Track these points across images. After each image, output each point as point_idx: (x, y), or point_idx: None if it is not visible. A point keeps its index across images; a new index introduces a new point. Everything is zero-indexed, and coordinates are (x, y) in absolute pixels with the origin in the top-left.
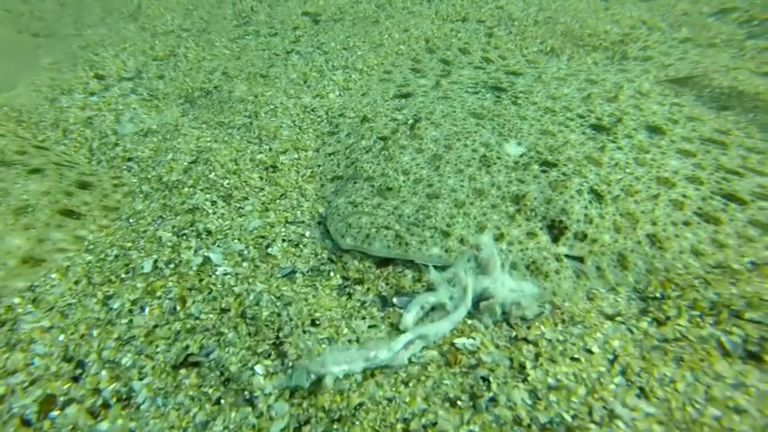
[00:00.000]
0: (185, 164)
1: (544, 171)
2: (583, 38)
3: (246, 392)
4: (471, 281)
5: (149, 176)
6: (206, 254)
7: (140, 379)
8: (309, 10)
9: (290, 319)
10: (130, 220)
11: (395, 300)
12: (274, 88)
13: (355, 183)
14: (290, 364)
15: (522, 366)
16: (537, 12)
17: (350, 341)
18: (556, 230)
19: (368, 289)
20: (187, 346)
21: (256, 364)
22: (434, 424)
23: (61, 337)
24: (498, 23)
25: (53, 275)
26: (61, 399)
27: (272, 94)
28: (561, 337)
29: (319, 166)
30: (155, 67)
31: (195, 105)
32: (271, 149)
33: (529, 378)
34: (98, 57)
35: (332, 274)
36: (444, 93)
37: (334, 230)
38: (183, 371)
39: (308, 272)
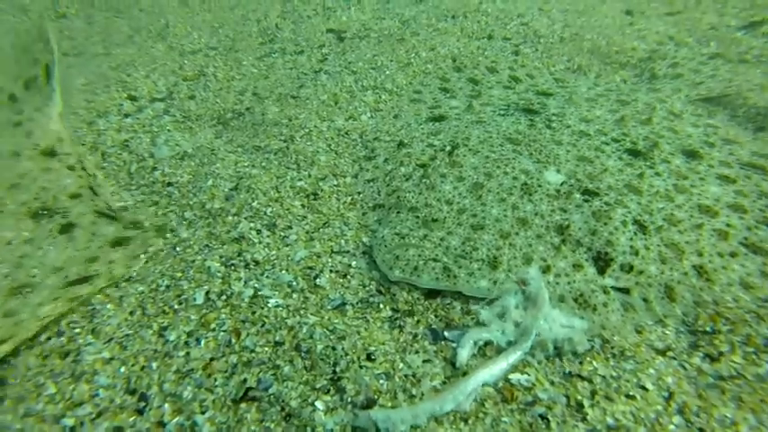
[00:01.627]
0: (226, 190)
1: (586, 200)
2: (610, 55)
3: (309, 428)
4: (528, 321)
5: (191, 203)
6: (256, 285)
7: (202, 413)
8: (333, 27)
9: (346, 354)
10: (177, 249)
11: (446, 333)
12: (306, 110)
13: (399, 213)
14: (350, 400)
15: (580, 405)
16: (562, 28)
17: (411, 396)
18: (602, 262)
19: (418, 321)
20: (245, 380)
21: (316, 399)
22: None
23: (122, 369)
24: (524, 41)
25: (108, 306)
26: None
27: (305, 116)
28: (614, 373)
29: (359, 193)
30: (185, 88)
31: (228, 127)
32: (310, 176)
33: (588, 417)
34: (130, 77)
35: (381, 306)
36: (478, 116)
37: (382, 262)
38: (243, 405)
39: (357, 303)
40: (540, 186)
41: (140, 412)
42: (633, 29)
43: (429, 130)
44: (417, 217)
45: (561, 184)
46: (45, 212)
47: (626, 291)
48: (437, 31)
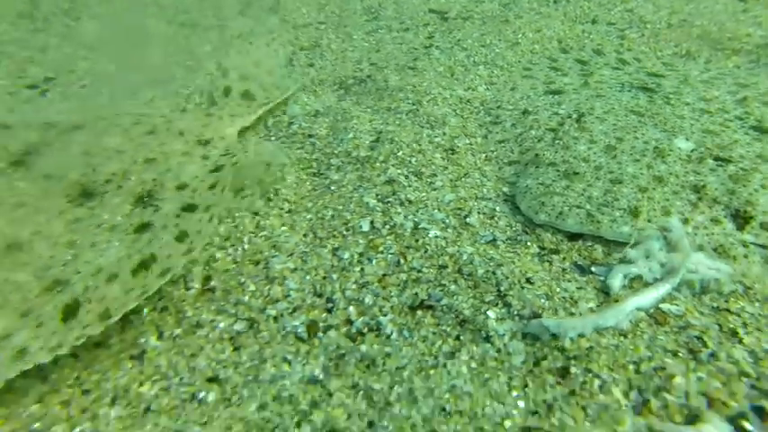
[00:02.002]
0: (368, 142)
1: (720, 165)
2: (722, 41)
3: (483, 332)
4: (676, 261)
5: (335, 152)
6: (415, 219)
7: (384, 315)
8: (435, 8)
9: (506, 277)
10: (332, 188)
11: (593, 269)
12: (426, 79)
13: (538, 167)
14: (517, 313)
15: (734, 332)
16: (669, 15)
17: (571, 314)
18: (740, 219)
19: (564, 258)
20: (417, 293)
21: (487, 310)
22: (663, 368)
23: (307, 278)
24: (629, 26)
25: (283, 228)
26: (321, 324)
27: (427, 84)
28: (763, 312)
29: (492, 151)
30: (303, 57)
31: (351, 92)
32: (444, 134)
33: (744, 341)
34: (252, 45)
35: (529, 243)
36: (596, 91)
37: (527, 207)
38: (419, 312)
39: (506, 240)
40: (671, 151)
41: (329, 311)
42: (748, 15)
43: (550, 101)
44: (558, 171)
45: (692, 150)
46: None
47: (765, 247)
48: (540, 15)
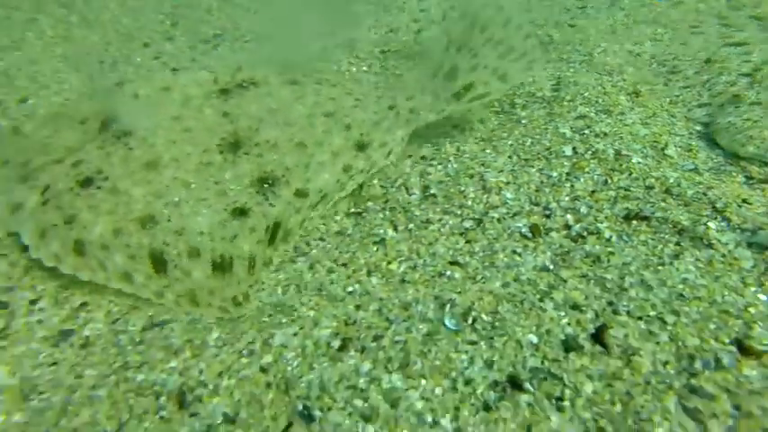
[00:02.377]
0: (549, 85)
1: None
2: None
3: (704, 240)
4: None
5: (517, 93)
6: (615, 147)
7: (600, 222)
8: None
9: (719, 198)
10: (522, 122)
11: None
12: (589, 36)
13: (738, 106)
14: (737, 226)
15: None
16: None
17: None
18: None
19: None
20: (628, 207)
21: (707, 221)
22: None
23: (522, 190)
24: None
25: (488, 150)
26: (542, 228)
27: (592, 40)
28: None
29: (677, 96)
30: (458, 14)
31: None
32: (624, 80)
33: None
34: (406, 6)
35: (734, 173)
36: None
37: (731, 141)
38: (634, 222)
39: (709, 170)
40: None
41: (547, 217)
42: None
43: (734, 51)
44: (765, 109)
45: None
46: None
47: None
48: None
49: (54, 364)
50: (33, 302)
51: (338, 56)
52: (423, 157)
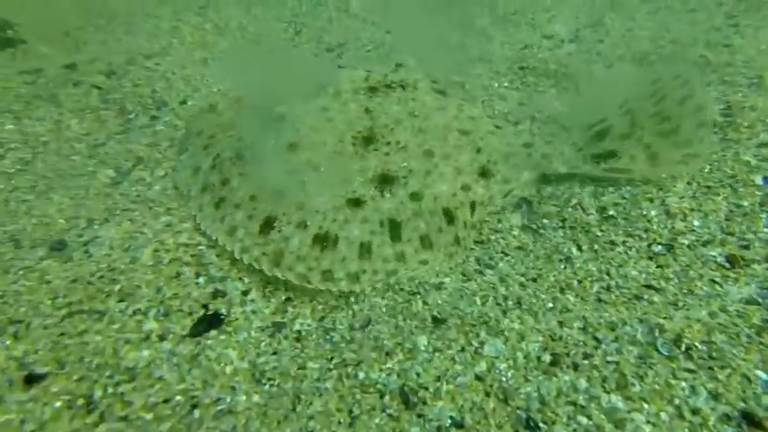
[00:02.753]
0: (719, 109)
1: None
2: None
3: None
4: None
5: None
6: None
7: None
8: None
9: None
10: None
11: None
12: (749, 56)
13: None
14: None
15: None
16: None
17: None
18: None
19: None
20: None
21: None
22: None
23: (710, 218)
24: None
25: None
26: (741, 259)
27: (758, 61)
28: None
29: None
30: (588, 33)
31: (648, 64)
32: None
33: None
34: (534, 21)
35: None
36: None
37: None
38: None
39: None
40: None
41: (745, 248)
42: None
43: None
44: None
45: None
46: None
47: None
48: None
49: (275, 353)
50: (245, 293)
51: (476, 70)
52: (591, 179)
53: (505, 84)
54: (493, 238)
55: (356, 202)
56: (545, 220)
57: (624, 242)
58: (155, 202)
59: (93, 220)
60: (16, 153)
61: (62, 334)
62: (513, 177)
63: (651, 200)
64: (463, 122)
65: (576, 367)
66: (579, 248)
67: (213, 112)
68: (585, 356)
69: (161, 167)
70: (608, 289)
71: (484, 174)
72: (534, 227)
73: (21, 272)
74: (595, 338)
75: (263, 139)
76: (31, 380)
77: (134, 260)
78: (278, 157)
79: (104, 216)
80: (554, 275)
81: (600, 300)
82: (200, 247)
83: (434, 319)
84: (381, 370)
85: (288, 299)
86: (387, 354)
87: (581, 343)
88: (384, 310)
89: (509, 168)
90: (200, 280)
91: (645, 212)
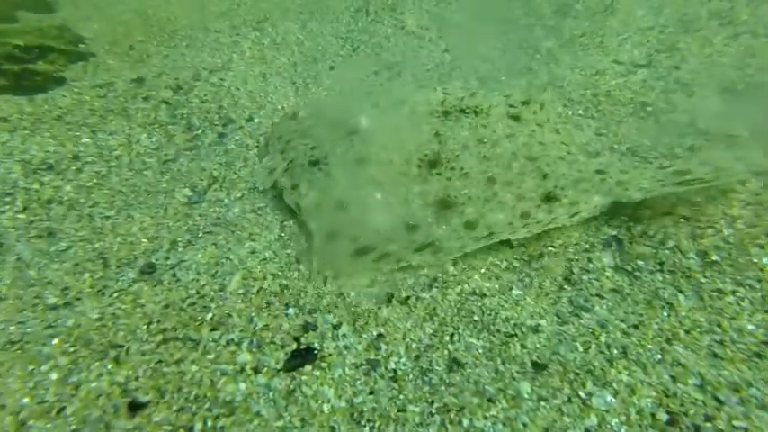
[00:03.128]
0: None
1: None
2: None
3: None
4: None
5: None
6: None
7: None
8: None
9: None
10: None
11: None
12: None
13: None
14: None
15: None
16: None
17: None
18: None
19: None
20: None
21: None
22: None
23: None
24: None
25: None
26: None
27: None
28: None
29: None
30: (663, 58)
31: (736, 94)
32: None
33: None
34: (603, 45)
35: None
36: None
37: None
38: None
39: None
40: None
41: None
42: None
43: None
44: None
45: None
46: None
47: None
48: None
49: (372, 393)
50: (336, 327)
51: (547, 95)
52: (685, 218)
53: (580, 111)
54: (585, 278)
55: (412, 228)
56: (640, 262)
57: (734, 292)
58: (236, 225)
59: (176, 241)
60: (92, 167)
61: (160, 361)
62: (581, 200)
63: (762, 246)
64: (532, 149)
65: (697, 429)
66: (683, 295)
67: (294, 119)
68: (707, 419)
69: (237, 188)
70: (721, 343)
71: (548, 199)
72: (629, 268)
73: (115, 294)
74: (716, 399)
75: (334, 150)
76: (135, 407)
77: (222, 287)
78: (345, 170)
79: (187, 238)
80: (657, 323)
81: (714, 354)
82: (286, 276)
83: (535, 365)
84: (486, 417)
85: (380, 335)
86: (489, 400)
87: (700, 402)
88: (481, 351)
89: (578, 192)
90: (290, 311)
91: (755, 260)
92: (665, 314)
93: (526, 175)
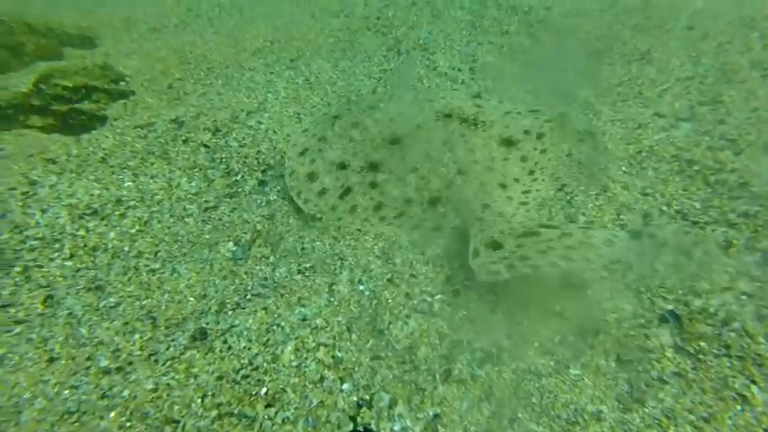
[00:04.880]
0: None
1: None
2: None
3: None
4: None
5: None
6: None
7: None
8: None
9: None
10: None
11: None
12: None
13: None
14: None
15: None
16: None
17: None
18: None
19: None
20: None
21: None
22: None
23: None
24: None
25: None
26: None
27: None
28: None
29: None
30: (706, 111)
31: None
32: None
33: None
34: (643, 96)
35: None
36: None
37: None
38: None
39: None
40: None
41: None
42: None
43: None
44: None
45: None
46: None
47: None
48: None
49: None
50: (391, 406)
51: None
52: (747, 295)
53: (623, 168)
54: (644, 358)
55: None
56: (702, 343)
57: None
58: (285, 288)
59: (224, 303)
60: (135, 212)
61: None
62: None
63: None
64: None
65: None
66: (756, 387)
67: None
68: None
69: (282, 245)
70: None
71: None
72: (691, 350)
73: (168, 362)
74: None
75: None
76: None
77: (275, 358)
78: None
79: (235, 299)
80: (731, 418)
81: None
82: (339, 347)
83: None
84: None
85: (436, 415)
86: None
87: None
88: None
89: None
90: (345, 387)
91: None
92: (739, 408)
93: None
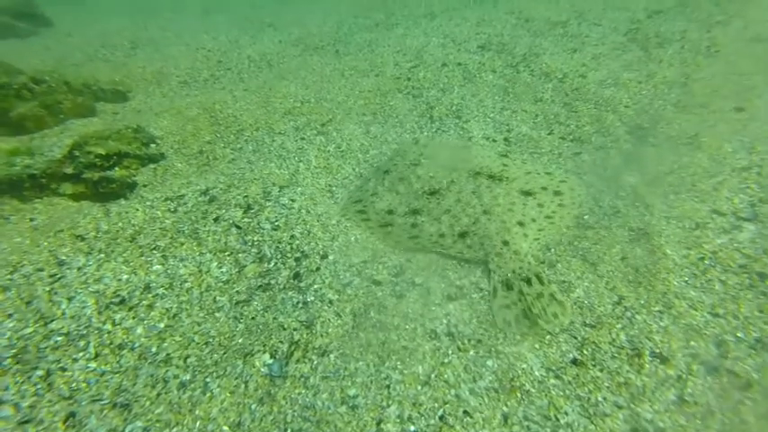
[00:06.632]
0: None
1: None
2: None
3: None
4: None
5: None
6: None
7: None
8: None
9: None
10: None
11: None
12: None
13: None
14: None
15: None
16: None
17: None
18: None
19: None
20: None
21: None
22: None
23: None
24: None
25: None
26: None
27: None
28: None
29: None
30: None
31: None
32: None
33: None
34: (696, 189)
35: None
36: None
37: None
38: None
39: None
40: None
41: None
42: None
43: None
44: None
45: None
46: None
47: None
48: None
49: None
50: None
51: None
52: None
53: (686, 278)
54: None
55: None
56: None
57: None
58: (329, 423)
59: None
60: (164, 302)
61: None
62: None
63: None
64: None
65: None
66: None
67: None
68: None
69: (323, 365)
70: None
71: None
72: None
73: None
74: None
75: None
76: None
77: None
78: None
79: None
80: None
81: None
82: None
83: None
84: None
85: None
86: None
87: None
88: None
89: None
90: None
91: None
92: None
93: None
